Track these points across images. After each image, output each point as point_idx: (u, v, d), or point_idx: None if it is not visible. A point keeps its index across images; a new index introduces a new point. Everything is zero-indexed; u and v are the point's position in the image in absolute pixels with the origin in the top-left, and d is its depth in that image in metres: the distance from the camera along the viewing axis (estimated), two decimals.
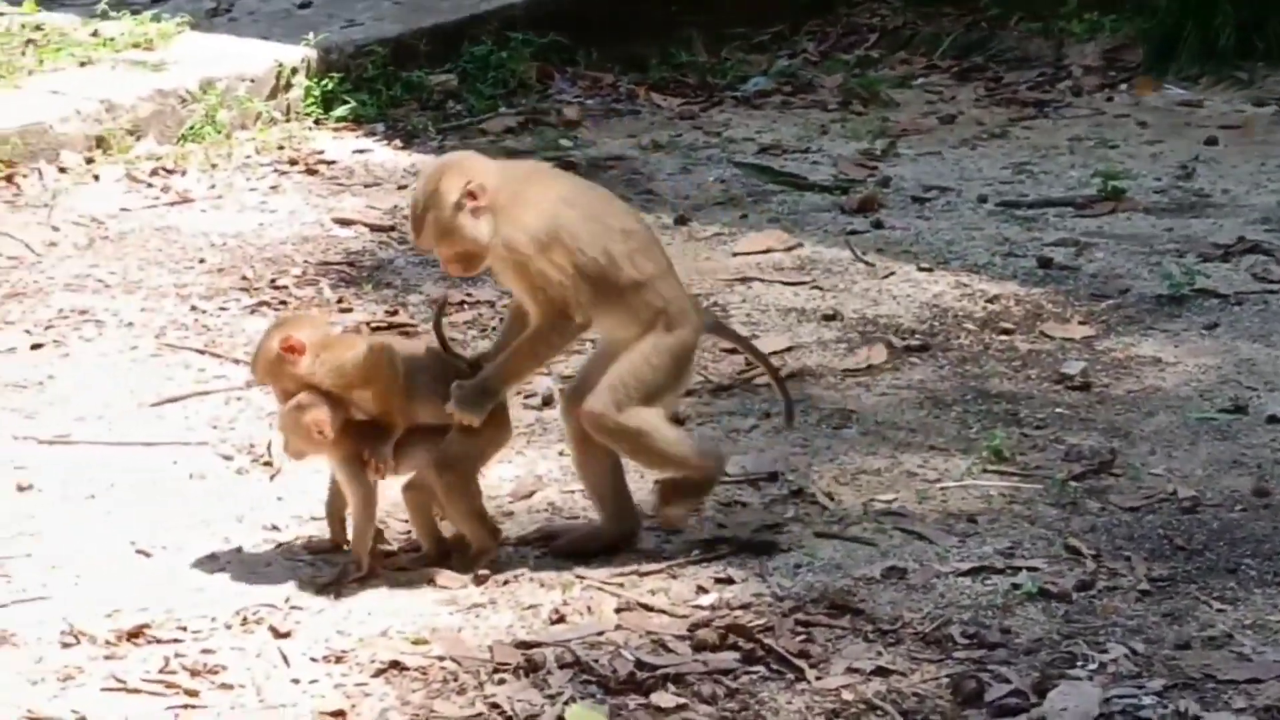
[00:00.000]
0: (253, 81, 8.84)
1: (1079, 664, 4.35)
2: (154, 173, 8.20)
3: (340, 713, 4.15)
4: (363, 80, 9.08)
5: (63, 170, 8.19)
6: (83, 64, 9.11)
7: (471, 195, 4.57)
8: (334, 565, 4.81)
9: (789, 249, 7.13)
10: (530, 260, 4.59)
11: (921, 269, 6.92)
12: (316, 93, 8.92)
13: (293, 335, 4.68)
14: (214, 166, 8.28)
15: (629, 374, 4.70)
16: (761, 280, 6.83)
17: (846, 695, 4.22)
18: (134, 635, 4.46)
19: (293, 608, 4.62)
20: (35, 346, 6.30)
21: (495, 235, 4.60)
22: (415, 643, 4.44)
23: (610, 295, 4.67)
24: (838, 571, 4.78)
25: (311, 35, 9.03)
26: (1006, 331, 6.34)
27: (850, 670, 4.31)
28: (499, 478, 5.28)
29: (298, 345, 4.67)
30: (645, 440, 4.73)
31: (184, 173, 8.20)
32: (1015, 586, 4.67)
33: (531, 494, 5.23)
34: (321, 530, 4.99)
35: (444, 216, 4.58)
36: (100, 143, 8.37)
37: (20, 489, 5.23)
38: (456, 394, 4.63)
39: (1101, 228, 7.38)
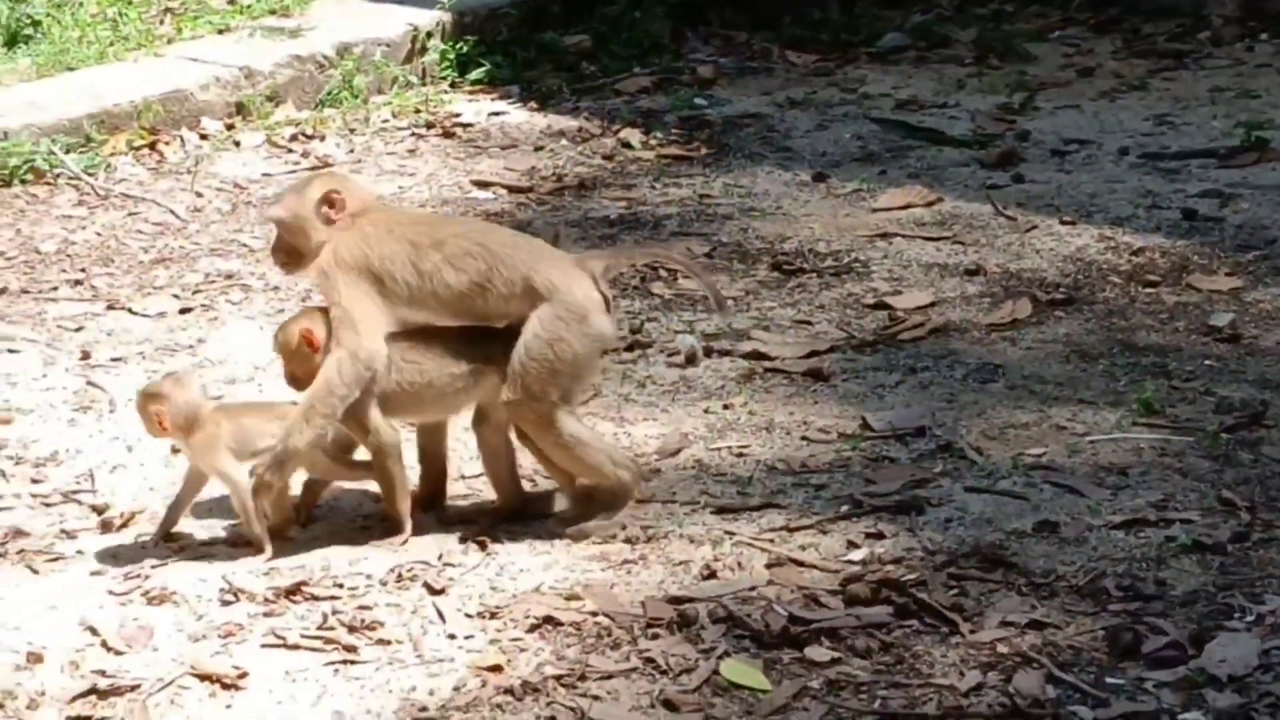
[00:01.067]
0: (388, 46, 8.89)
1: (1236, 616, 4.31)
2: (293, 138, 8.28)
3: (496, 667, 4.17)
4: (497, 43, 9.12)
5: (204, 137, 8.28)
6: (220, 31, 9.22)
7: (330, 203, 4.72)
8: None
9: (929, 204, 7.10)
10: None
11: (1064, 222, 6.86)
12: (451, 56, 8.97)
13: (314, 330, 4.76)
14: (352, 131, 8.35)
15: (524, 354, 4.67)
16: (903, 235, 6.80)
17: (1001, 648, 4.20)
18: (291, 593, 4.51)
19: (446, 564, 4.65)
20: (184, 310, 6.38)
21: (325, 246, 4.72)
22: (568, 598, 4.46)
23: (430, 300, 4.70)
24: (988, 525, 4.75)
25: None
26: (1152, 284, 6.27)
27: (1004, 624, 4.29)
28: (645, 435, 5.30)
29: (315, 341, 4.75)
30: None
31: (323, 138, 8.27)
32: (1169, 539, 4.63)
33: (678, 451, 5.23)
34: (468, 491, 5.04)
35: (302, 209, 4.73)
36: (240, 109, 8.46)
37: (175, 451, 5.29)
38: None
39: (1245, 179, 7.28)
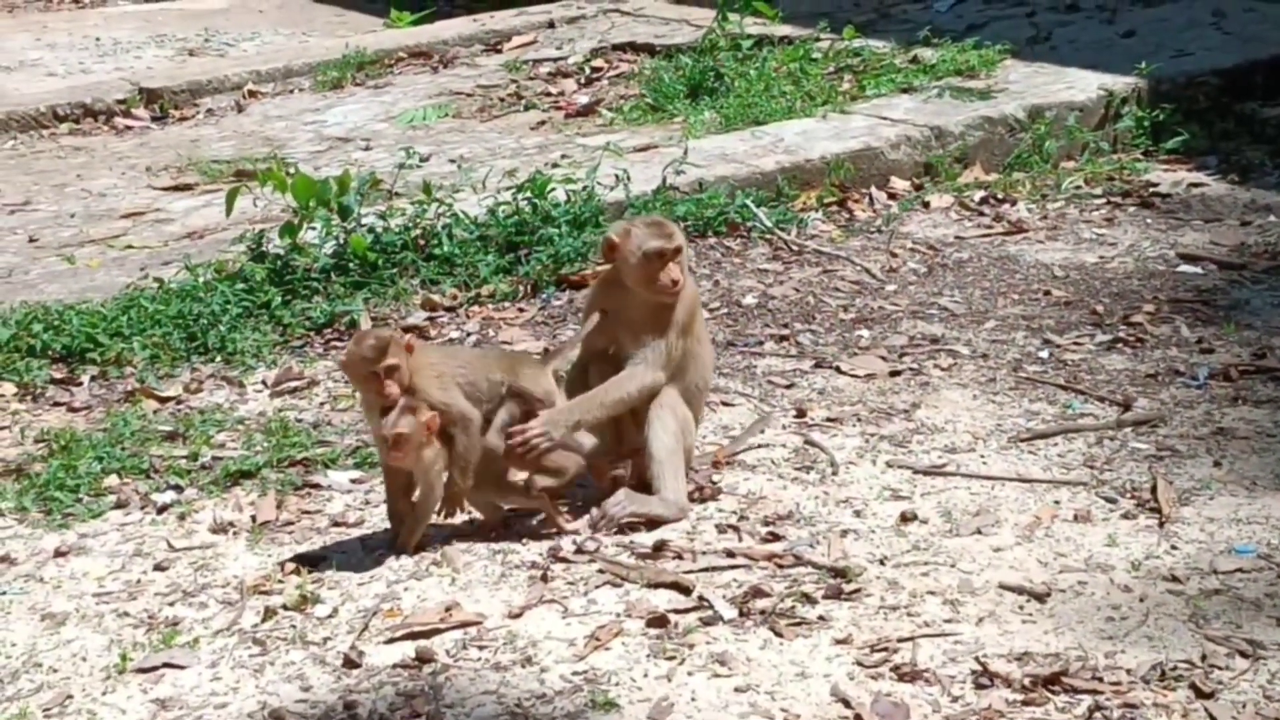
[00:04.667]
0: (1080, 111, 8.62)
1: None
2: (983, 201, 8.09)
3: None
4: (1193, 112, 8.73)
5: (892, 196, 8.17)
6: (903, 90, 9.11)
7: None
8: None
9: None
10: None
11: None
12: (1146, 123, 8.61)
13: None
14: (1043, 197, 8.11)
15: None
16: None
17: None
18: (1050, 682, 4.26)
19: (1211, 666, 4.32)
20: (894, 374, 6.22)
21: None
22: None
23: None
24: None
25: (1142, 64, 8.73)
26: None
27: None
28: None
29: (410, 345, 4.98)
30: None
31: (1013, 202, 8.05)
32: None
33: None
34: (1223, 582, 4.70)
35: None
36: (928, 169, 8.32)
37: (905, 519, 5.12)
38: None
39: None
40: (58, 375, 6.36)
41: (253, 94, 10.84)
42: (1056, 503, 5.24)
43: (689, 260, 5.21)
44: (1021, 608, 4.64)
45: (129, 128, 10.40)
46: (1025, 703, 4.19)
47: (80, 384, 6.32)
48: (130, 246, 7.88)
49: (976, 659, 4.36)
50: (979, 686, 4.27)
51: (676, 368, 5.19)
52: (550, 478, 5.15)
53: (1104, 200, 8.03)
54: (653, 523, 5.09)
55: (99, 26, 13.60)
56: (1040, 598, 4.68)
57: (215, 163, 9.29)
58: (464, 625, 4.58)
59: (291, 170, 7.72)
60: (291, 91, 10.92)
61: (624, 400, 5.14)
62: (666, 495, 5.13)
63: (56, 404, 6.19)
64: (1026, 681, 4.27)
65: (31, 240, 8.14)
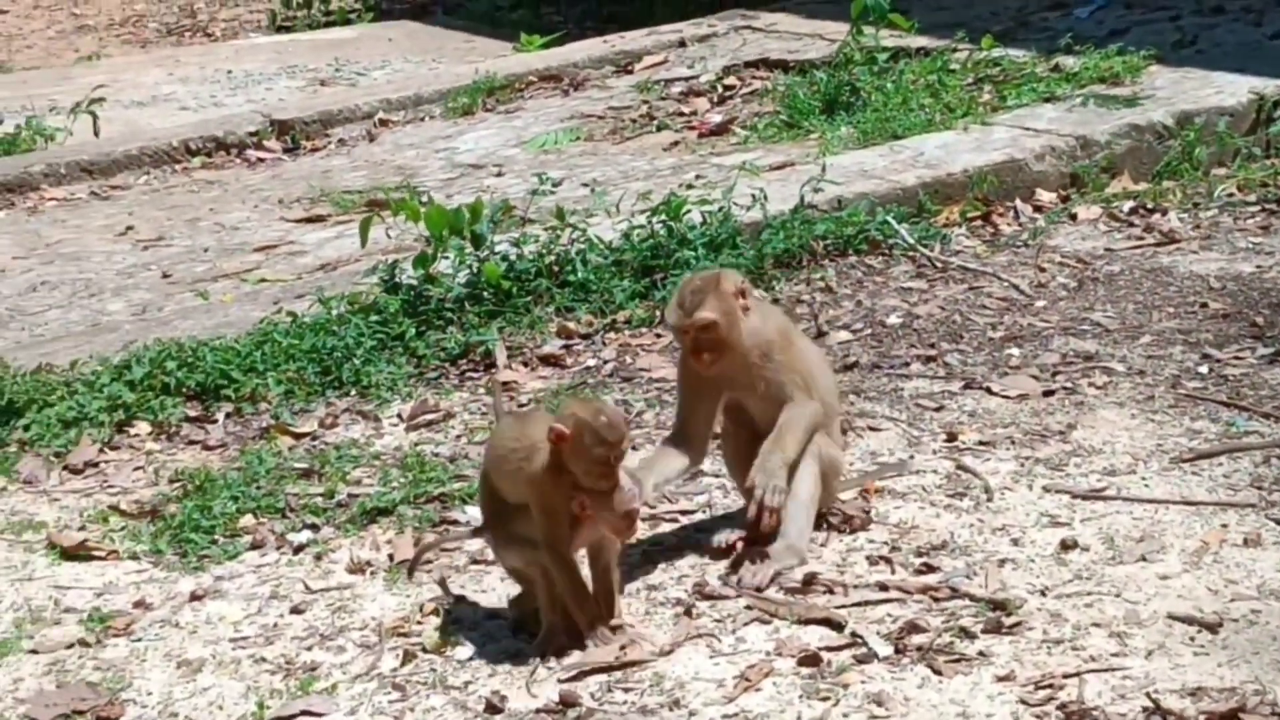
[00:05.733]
0: (1230, 116, 8.36)
1: None
2: (1133, 211, 7.84)
3: None
4: None
5: (1038, 209, 7.95)
6: (1046, 99, 8.88)
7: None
8: None
9: None
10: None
11: None
12: None
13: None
14: (1195, 205, 7.85)
15: None
16: None
17: None
18: (1227, 719, 4.02)
19: None
20: (1047, 393, 6.00)
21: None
22: None
23: None
24: None
25: None
26: None
27: None
28: None
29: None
30: None
31: (1164, 212, 7.80)
32: None
33: None
34: None
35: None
36: (1074, 180, 8.08)
37: (1065, 546, 4.90)
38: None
39: None
40: (192, 413, 6.28)
41: (384, 123, 10.78)
42: (1224, 526, 5.00)
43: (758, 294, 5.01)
44: (1192, 639, 4.42)
45: (261, 160, 10.37)
46: None
47: (215, 421, 6.24)
48: (264, 280, 7.81)
49: (1148, 695, 4.14)
50: None
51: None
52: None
53: (1258, 207, 7.76)
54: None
55: (230, 59, 13.62)
56: (1212, 628, 4.45)
57: (347, 193, 9.23)
58: (633, 665, 4.39)
59: (424, 199, 7.61)
60: (422, 119, 10.85)
61: (808, 428, 4.95)
62: (791, 540, 4.90)
63: (191, 442, 6.11)
64: (1202, 719, 4.03)
65: (165, 276, 8.10)
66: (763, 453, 4.87)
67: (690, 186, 8.14)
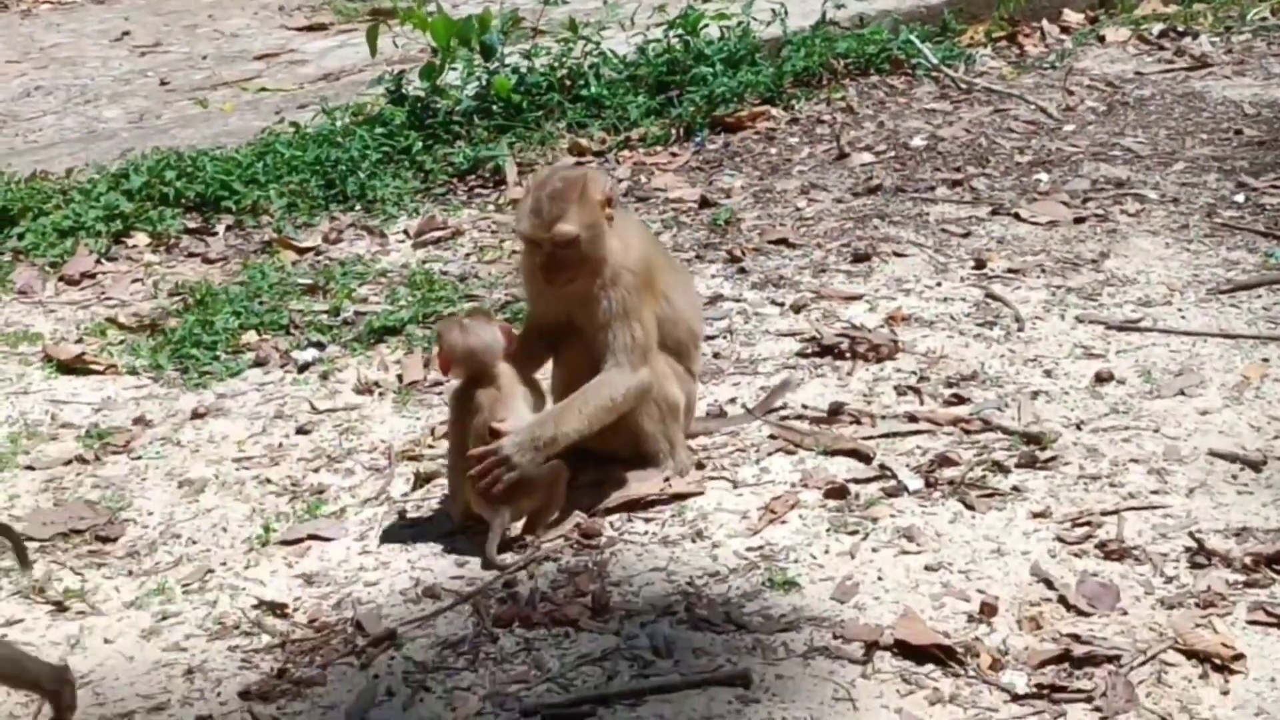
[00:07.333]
0: None
1: None
2: (1163, 34, 7.60)
3: None
4: None
5: (1064, 30, 7.70)
6: None
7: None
8: None
9: None
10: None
11: None
12: None
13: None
14: (1227, 29, 7.61)
15: None
16: None
17: None
18: (1274, 561, 3.87)
19: None
20: (1078, 220, 5.80)
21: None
22: None
23: None
24: None
25: None
26: None
27: None
28: None
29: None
30: None
31: (1195, 35, 7.57)
32: None
33: None
34: None
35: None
36: (1103, 2, 7.82)
37: (1100, 379, 4.72)
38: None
39: None
40: (192, 225, 6.08)
41: None
42: (1265, 360, 4.83)
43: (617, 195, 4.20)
44: (1235, 477, 4.25)
45: None
46: (1248, 584, 3.81)
47: (215, 234, 6.03)
48: (264, 89, 7.57)
49: (1190, 534, 3.97)
50: (1195, 566, 3.88)
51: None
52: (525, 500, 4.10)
53: None
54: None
55: None
56: (1255, 466, 4.28)
57: (350, 1, 8.93)
58: (682, 497, 4.21)
59: (431, 8, 7.35)
60: None
61: (608, 408, 4.10)
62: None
63: (191, 255, 5.91)
64: (1248, 560, 3.88)
65: (163, 84, 7.85)
66: (534, 421, 4.09)
67: (708, 0, 7.86)
